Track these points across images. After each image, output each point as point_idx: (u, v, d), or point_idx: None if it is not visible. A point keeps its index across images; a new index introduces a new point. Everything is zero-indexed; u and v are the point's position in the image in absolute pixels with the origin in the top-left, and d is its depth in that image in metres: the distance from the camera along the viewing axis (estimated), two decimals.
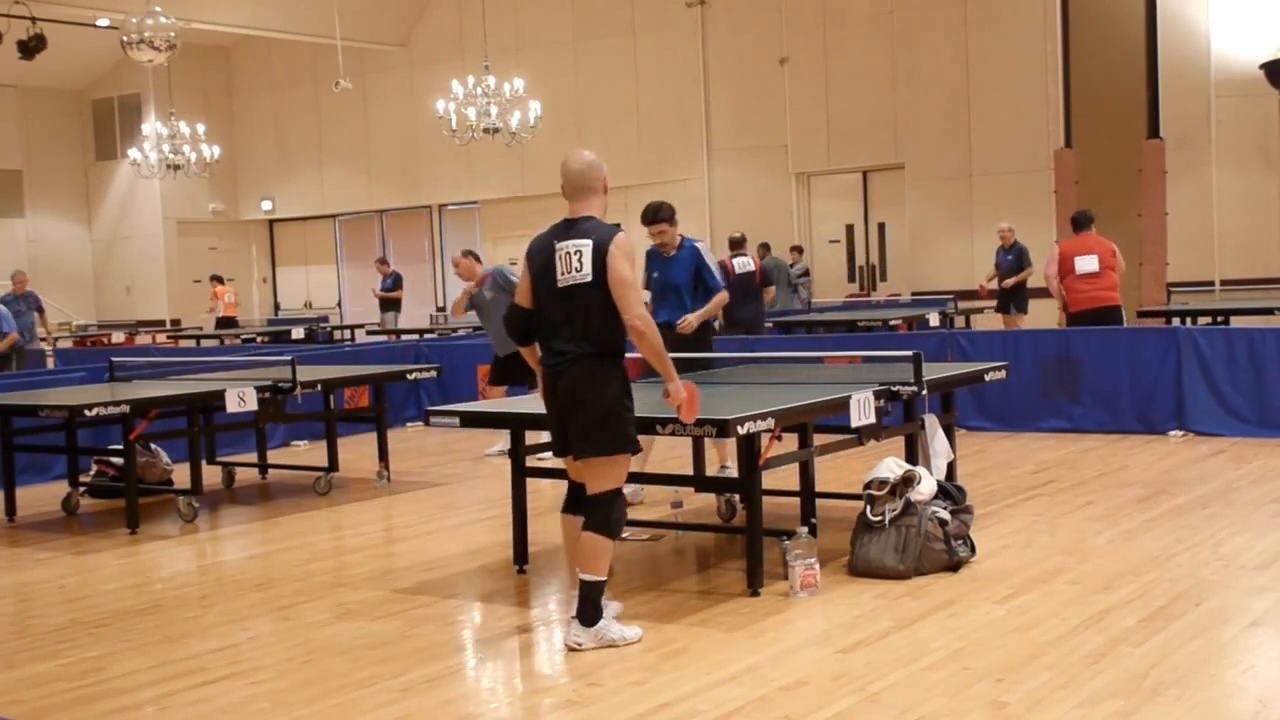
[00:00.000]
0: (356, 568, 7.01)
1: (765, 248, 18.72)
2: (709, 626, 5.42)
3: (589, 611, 5.15)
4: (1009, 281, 16.12)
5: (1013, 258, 16.26)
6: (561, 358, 5.19)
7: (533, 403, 7.33)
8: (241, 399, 8.48)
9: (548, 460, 6.85)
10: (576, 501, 5.40)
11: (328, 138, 25.52)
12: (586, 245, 5.13)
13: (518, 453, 6.54)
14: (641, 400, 6.64)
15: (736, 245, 14.20)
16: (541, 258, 5.27)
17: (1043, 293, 17.01)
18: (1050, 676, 4.58)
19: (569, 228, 5.24)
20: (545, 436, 7.38)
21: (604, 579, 5.17)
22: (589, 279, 5.11)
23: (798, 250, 19.46)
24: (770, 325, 15.36)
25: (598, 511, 5.17)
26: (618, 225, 5.37)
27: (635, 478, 8.11)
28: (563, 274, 5.17)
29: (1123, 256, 11.83)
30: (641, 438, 5.43)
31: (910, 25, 19.04)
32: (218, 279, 22.76)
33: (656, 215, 7.91)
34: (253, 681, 4.98)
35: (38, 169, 26.41)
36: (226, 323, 21.91)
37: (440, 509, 8.63)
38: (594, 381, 5.15)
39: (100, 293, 26.90)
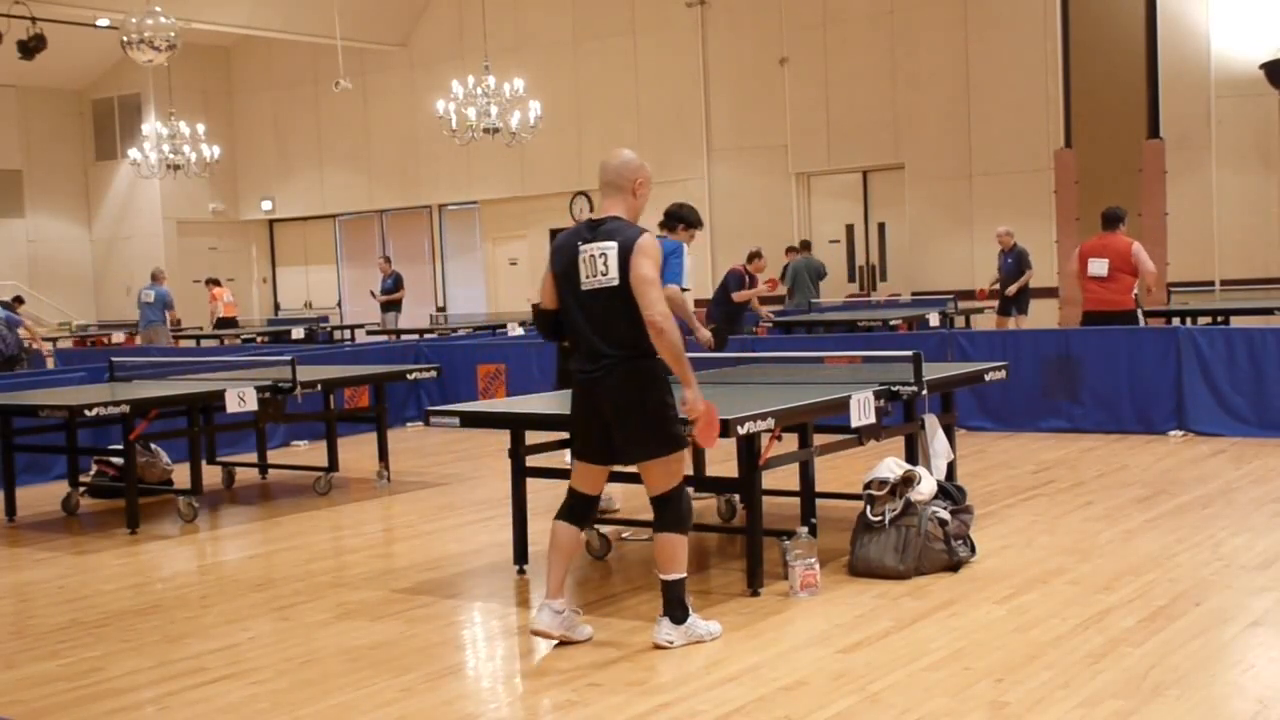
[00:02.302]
0: (356, 568, 7.01)
1: (800, 247, 18.79)
2: None
3: (678, 610, 5.15)
4: (1012, 289, 16.14)
5: (1013, 261, 16.30)
6: (597, 364, 5.10)
7: (532, 403, 7.34)
8: (241, 399, 8.48)
9: (547, 460, 6.85)
10: (573, 510, 5.35)
11: (328, 138, 25.52)
12: (611, 248, 5.03)
13: (518, 453, 6.54)
14: None
15: None
16: (564, 258, 5.17)
17: (1042, 293, 17.13)
18: (1050, 676, 4.58)
19: (593, 229, 5.13)
20: (544, 436, 7.39)
21: (685, 575, 5.17)
22: (615, 282, 5.02)
23: (792, 251, 19.36)
24: (770, 325, 15.38)
25: (667, 511, 5.17)
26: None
27: (634, 478, 8.12)
28: (587, 277, 5.08)
29: (1146, 258, 11.12)
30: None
31: (910, 25, 19.03)
32: (214, 281, 22.79)
33: None
34: (253, 681, 4.98)
35: (38, 169, 26.41)
36: (226, 323, 21.92)
37: (440, 509, 8.63)
38: (637, 385, 5.08)
39: (100, 293, 26.91)
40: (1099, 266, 11.08)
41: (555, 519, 5.39)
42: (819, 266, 18.37)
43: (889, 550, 6.03)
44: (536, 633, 5.21)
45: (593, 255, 5.06)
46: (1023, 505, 7.73)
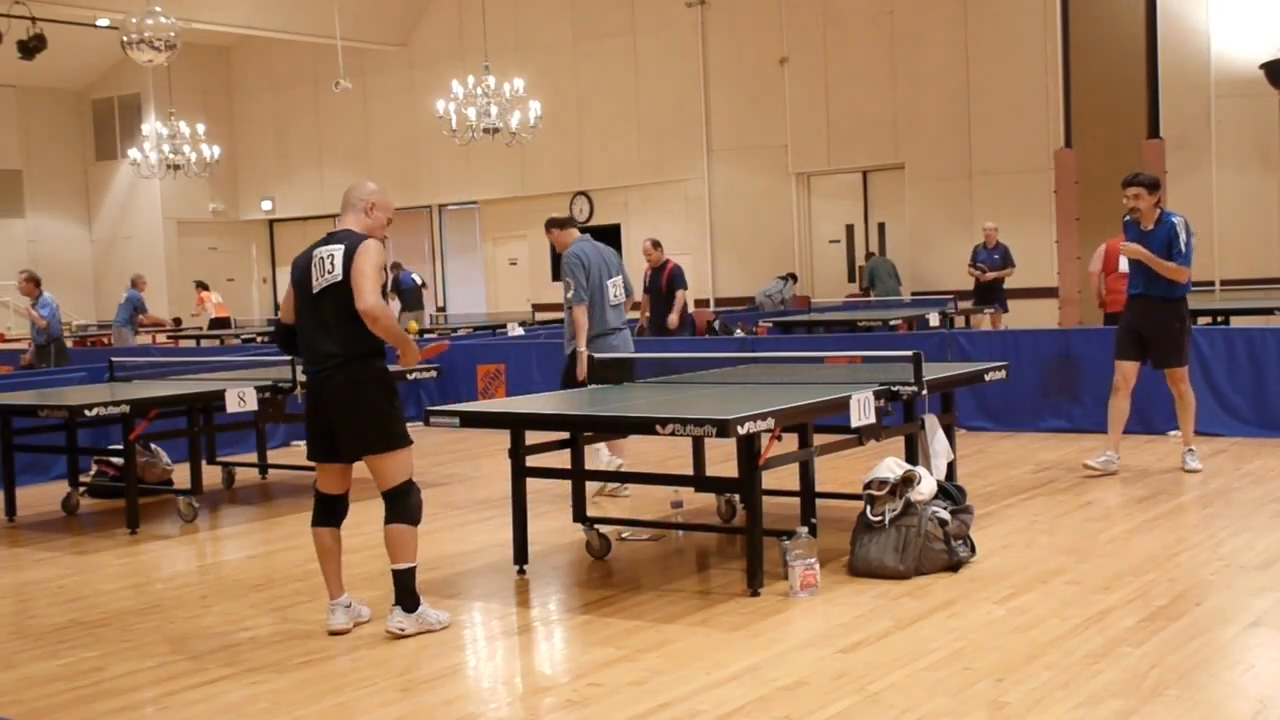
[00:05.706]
0: (356, 568, 6.99)
1: (871, 254, 19.77)
2: (709, 626, 5.42)
3: (409, 598, 5.46)
4: (991, 275, 16.73)
5: (999, 256, 16.76)
6: (323, 364, 5.42)
7: (532, 403, 7.34)
8: (241, 399, 8.47)
9: (548, 460, 6.85)
10: (323, 513, 5.65)
11: (328, 138, 25.52)
12: (339, 249, 5.39)
13: (517, 453, 6.54)
14: (642, 399, 6.66)
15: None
16: (300, 268, 5.53)
17: (1042, 293, 17.14)
18: (1050, 676, 4.58)
19: (327, 240, 5.50)
20: (544, 436, 7.40)
21: (415, 564, 5.48)
22: (339, 279, 5.34)
23: (871, 255, 19.93)
24: (770, 325, 15.38)
25: (398, 504, 5.49)
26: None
27: (635, 478, 8.14)
28: (316, 279, 5.42)
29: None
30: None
31: (910, 25, 19.03)
32: (202, 285, 22.78)
33: (1134, 179, 8.52)
34: (253, 681, 4.98)
35: (38, 169, 26.41)
36: (221, 324, 21.91)
37: (440, 509, 8.61)
38: (359, 384, 5.39)
39: (100, 293, 26.88)
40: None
41: (312, 526, 5.68)
42: (892, 266, 19.25)
43: (889, 550, 6.03)
44: (334, 633, 5.52)
45: (322, 258, 5.43)
46: (1023, 505, 7.72)
